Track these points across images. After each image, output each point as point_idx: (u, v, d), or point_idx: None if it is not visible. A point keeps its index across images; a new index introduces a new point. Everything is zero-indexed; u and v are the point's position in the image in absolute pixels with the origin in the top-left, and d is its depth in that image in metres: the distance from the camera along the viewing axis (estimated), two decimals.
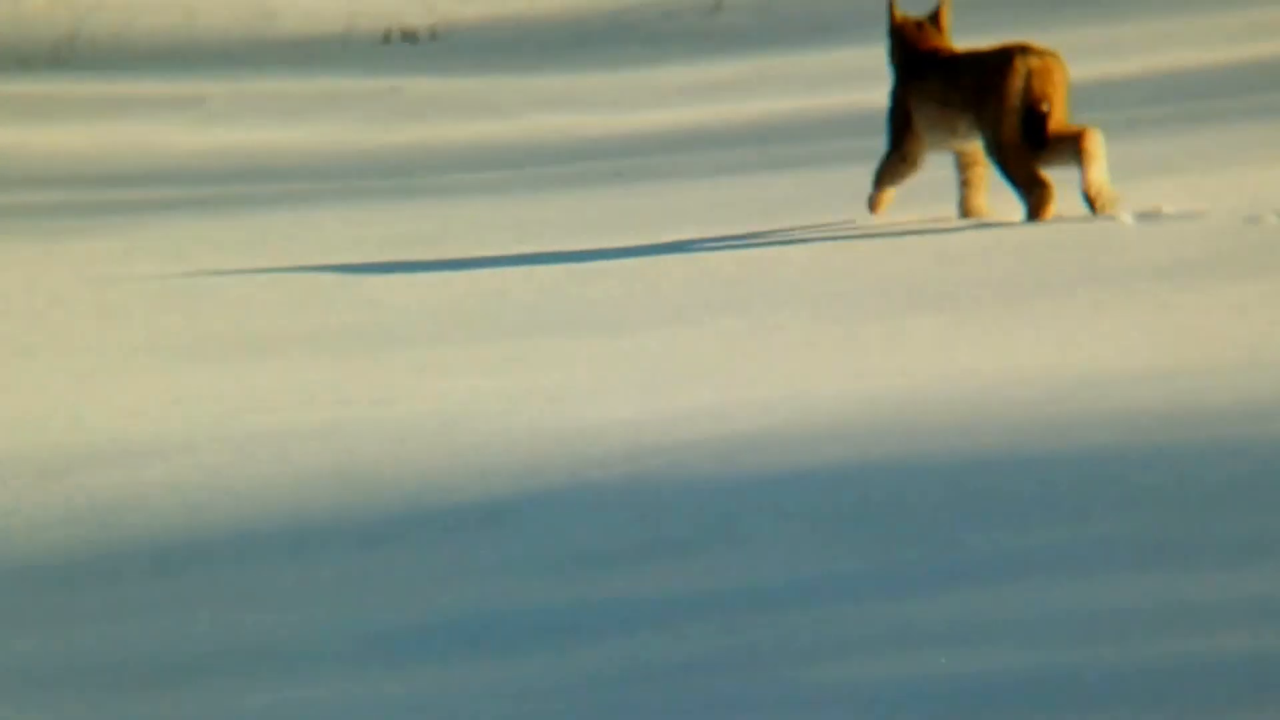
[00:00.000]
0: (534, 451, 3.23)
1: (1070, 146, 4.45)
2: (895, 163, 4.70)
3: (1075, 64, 7.83)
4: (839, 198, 5.22)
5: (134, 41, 10.97)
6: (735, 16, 10.94)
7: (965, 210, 4.77)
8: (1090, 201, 4.54)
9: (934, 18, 4.71)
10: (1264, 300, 3.83)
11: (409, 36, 11.00)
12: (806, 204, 5.32)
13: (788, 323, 4.12)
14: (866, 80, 8.51)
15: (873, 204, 4.82)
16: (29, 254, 5.04)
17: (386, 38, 10.99)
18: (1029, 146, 4.45)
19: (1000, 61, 4.49)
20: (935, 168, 4.88)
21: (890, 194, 4.79)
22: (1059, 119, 4.47)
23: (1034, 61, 4.46)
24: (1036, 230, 4.68)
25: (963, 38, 4.85)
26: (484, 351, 4.08)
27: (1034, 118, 4.42)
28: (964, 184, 4.72)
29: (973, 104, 4.50)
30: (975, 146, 4.62)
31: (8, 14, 11.57)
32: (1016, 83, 4.43)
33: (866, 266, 4.59)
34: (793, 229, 5.01)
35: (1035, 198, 4.52)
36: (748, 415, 3.37)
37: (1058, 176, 4.64)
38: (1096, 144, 4.45)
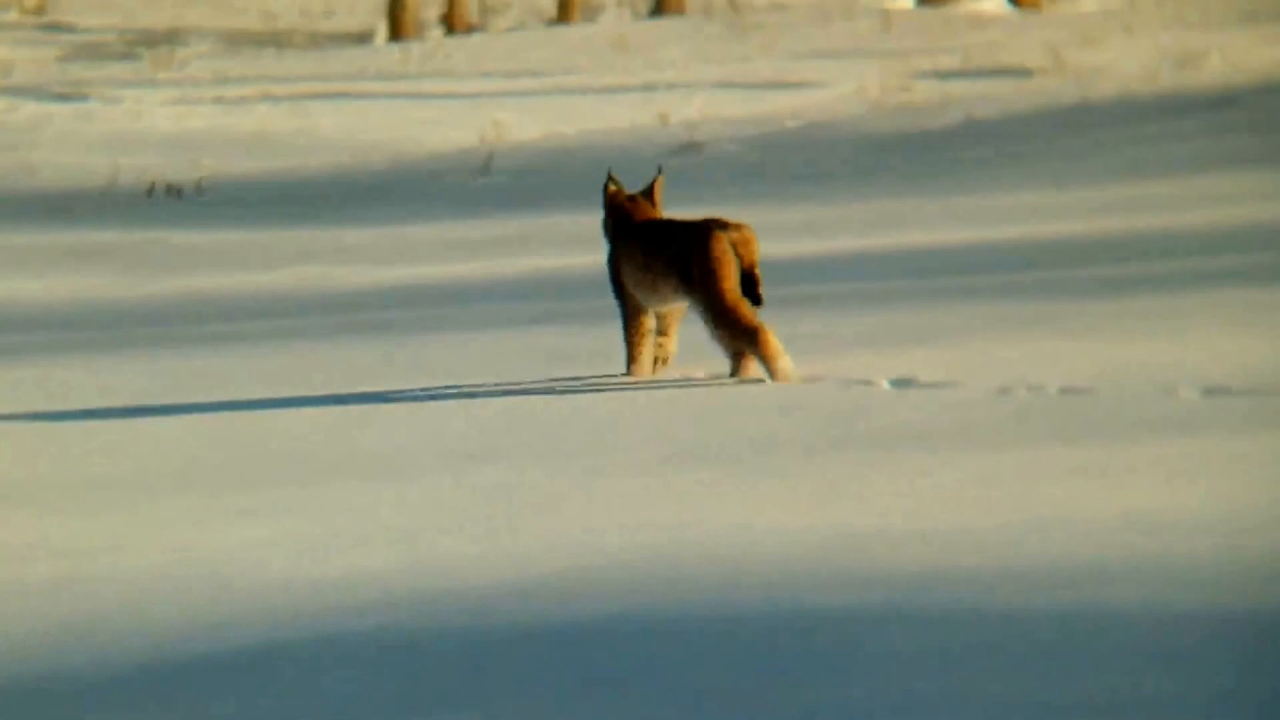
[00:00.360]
0: (287, 603, 3.18)
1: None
2: (631, 325, 4.98)
3: (832, 238, 8.16)
4: (602, 353, 5.26)
5: None
6: (501, 179, 11.07)
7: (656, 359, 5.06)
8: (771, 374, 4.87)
9: (647, 192, 5.07)
10: (1016, 469, 3.94)
11: (174, 191, 10.91)
12: (573, 358, 5.34)
13: (552, 474, 4.11)
14: None
15: (630, 367, 5.05)
16: None
17: (150, 192, 10.89)
18: (747, 302, 4.83)
19: (702, 232, 4.84)
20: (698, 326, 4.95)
21: (645, 354, 5.01)
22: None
23: (734, 234, 4.83)
24: (795, 391, 4.76)
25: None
26: (238, 500, 4.01)
27: (750, 280, 4.80)
28: (659, 332, 5.04)
29: (677, 269, 4.84)
30: (679, 307, 4.96)
31: None
32: (724, 250, 4.80)
33: (630, 420, 4.61)
34: (559, 381, 5.02)
35: (762, 341, 4.82)
36: (507, 567, 3.33)
37: (804, 335, 4.71)
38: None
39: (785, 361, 4.82)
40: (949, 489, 3.80)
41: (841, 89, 13.26)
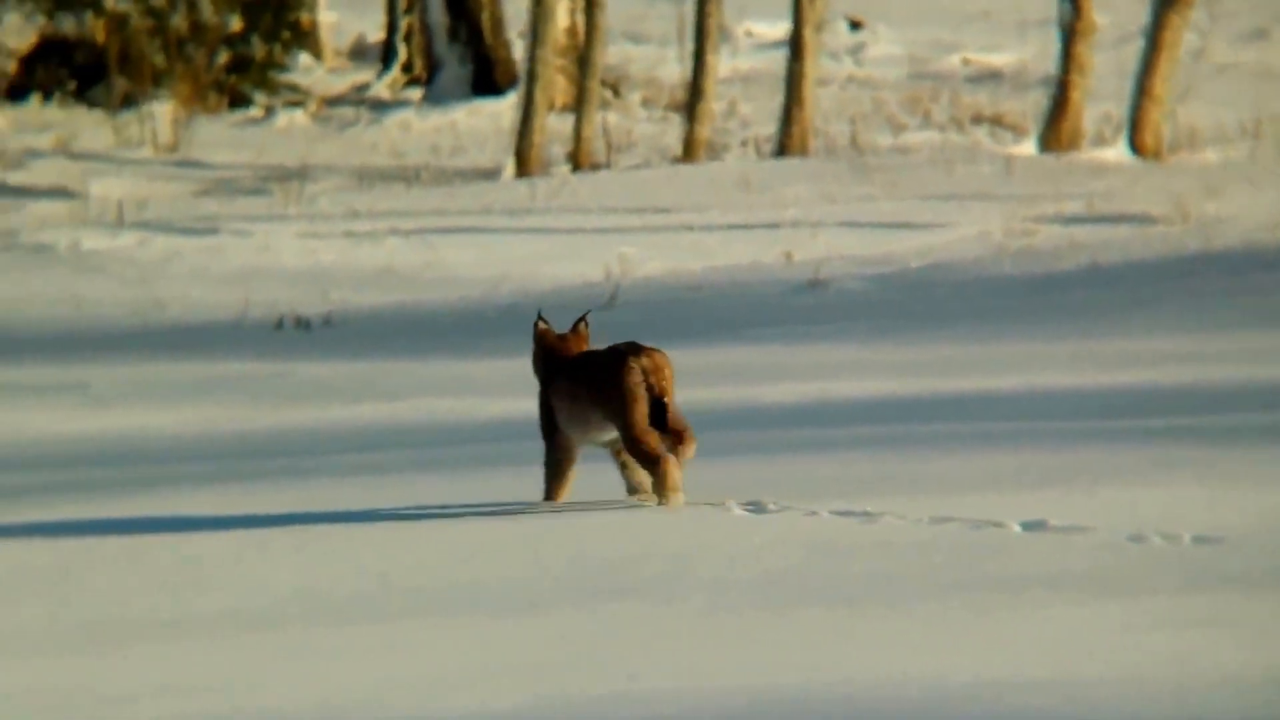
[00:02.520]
0: None
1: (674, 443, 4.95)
2: (555, 468, 5.10)
3: (958, 378, 8.10)
4: (723, 486, 5.23)
5: (20, 329, 10.96)
6: (627, 312, 11.15)
7: (632, 488, 5.13)
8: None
9: (574, 329, 5.19)
10: (1150, 619, 3.85)
11: (302, 323, 11.11)
12: (695, 490, 5.32)
13: (677, 609, 4.07)
14: (745, 376, 8.66)
15: (551, 498, 5.15)
16: None
17: (279, 324, 11.09)
18: (655, 431, 4.91)
19: (615, 359, 4.92)
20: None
21: (566, 489, 5.14)
22: (674, 409, 4.94)
23: (645, 361, 4.90)
24: (921, 530, 4.71)
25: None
26: (361, 636, 4.00)
27: (660, 408, 4.89)
28: (622, 465, 5.10)
29: (599, 399, 4.92)
30: (608, 435, 5.01)
31: None
32: (636, 380, 4.87)
33: (751, 556, 4.58)
34: (680, 515, 5.00)
35: (660, 472, 4.92)
36: (633, 708, 3.29)
37: (931, 474, 4.63)
38: (690, 450, 4.98)
39: (678, 498, 4.91)
40: (1080, 637, 3.72)
41: (965, 231, 13.26)
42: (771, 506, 5.00)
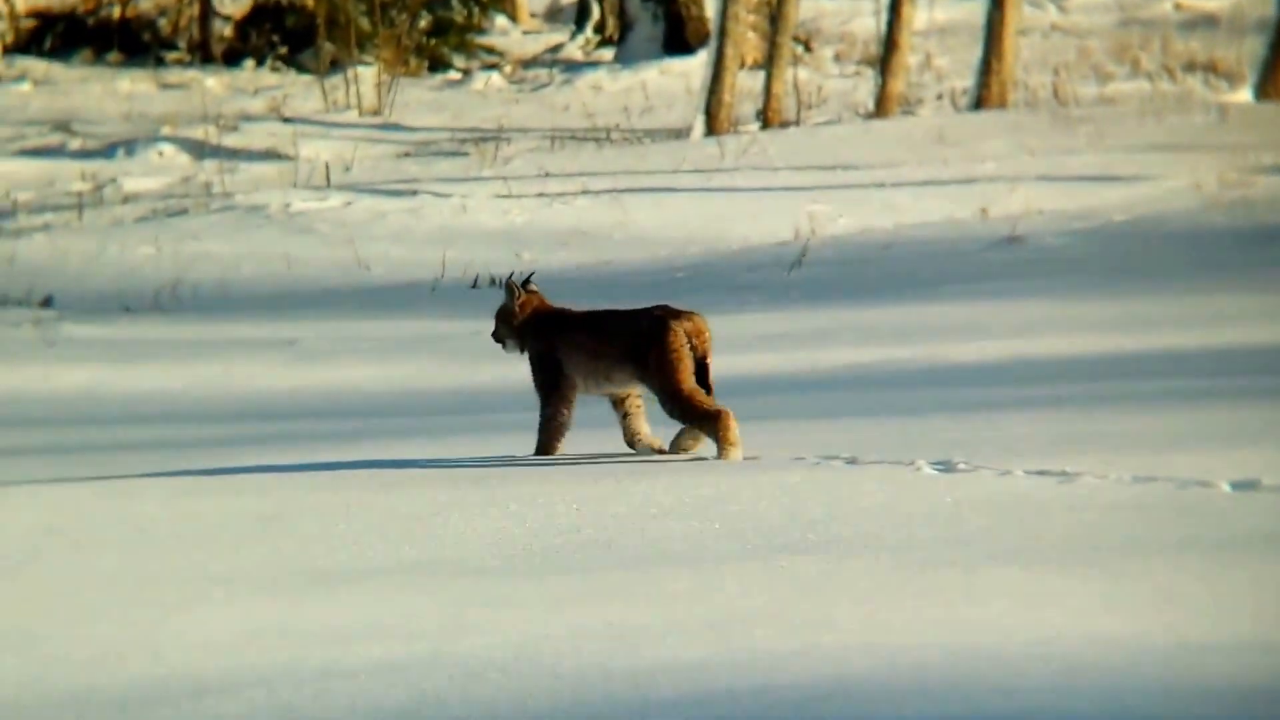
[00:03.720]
0: (605, 692, 3.16)
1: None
2: (553, 419, 5.29)
3: (1163, 334, 7.85)
4: (913, 445, 5.16)
5: (235, 288, 11.27)
6: (817, 270, 11.05)
7: (631, 439, 5.29)
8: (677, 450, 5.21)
9: (525, 287, 5.39)
10: None
11: (497, 282, 11.24)
12: (884, 450, 5.26)
13: (870, 566, 4.03)
14: (939, 335, 8.53)
15: (549, 451, 5.32)
16: (121, 486, 5.08)
17: (475, 284, 11.25)
18: (700, 390, 5.08)
19: (657, 323, 5.10)
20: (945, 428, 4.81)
21: (558, 447, 5.32)
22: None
23: (688, 324, 5.10)
24: (1127, 490, 4.59)
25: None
26: (556, 586, 4.04)
27: (702, 369, 5.07)
28: (624, 415, 5.26)
29: (633, 358, 5.10)
30: (628, 390, 5.20)
31: (114, 262, 11.97)
32: (681, 342, 5.05)
33: (946, 514, 4.51)
34: (868, 474, 4.94)
35: (722, 426, 5.07)
36: (823, 663, 3.26)
37: (1134, 431, 4.47)
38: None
39: (738, 451, 5.08)
40: None
41: (1174, 183, 12.88)
42: (963, 466, 4.92)
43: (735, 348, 8.55)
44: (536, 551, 4.34)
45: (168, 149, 16.09)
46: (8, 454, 6.35)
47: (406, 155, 16.51)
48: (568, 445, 5.39)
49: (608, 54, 21.24)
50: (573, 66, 20.90)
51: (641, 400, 5.25)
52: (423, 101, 19.21)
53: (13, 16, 20.85)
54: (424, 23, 20.84)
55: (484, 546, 4.39)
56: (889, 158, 14.50)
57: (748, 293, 10.56)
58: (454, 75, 20.75)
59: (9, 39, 20.53)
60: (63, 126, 16.91)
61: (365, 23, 20.15)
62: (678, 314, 5.10)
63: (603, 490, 4.91)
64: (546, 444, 5.33)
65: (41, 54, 20.74)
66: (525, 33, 22.83)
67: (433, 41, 21.04)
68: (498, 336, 5.44)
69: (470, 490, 4.98)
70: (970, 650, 3.30)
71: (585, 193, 14.02)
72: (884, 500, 4.67)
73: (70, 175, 15.16)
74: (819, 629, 3.54)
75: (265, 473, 5.28)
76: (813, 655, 3.32)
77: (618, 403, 5.26)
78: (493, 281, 11.43)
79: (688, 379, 5.04)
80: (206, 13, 21.55)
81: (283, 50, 20.97)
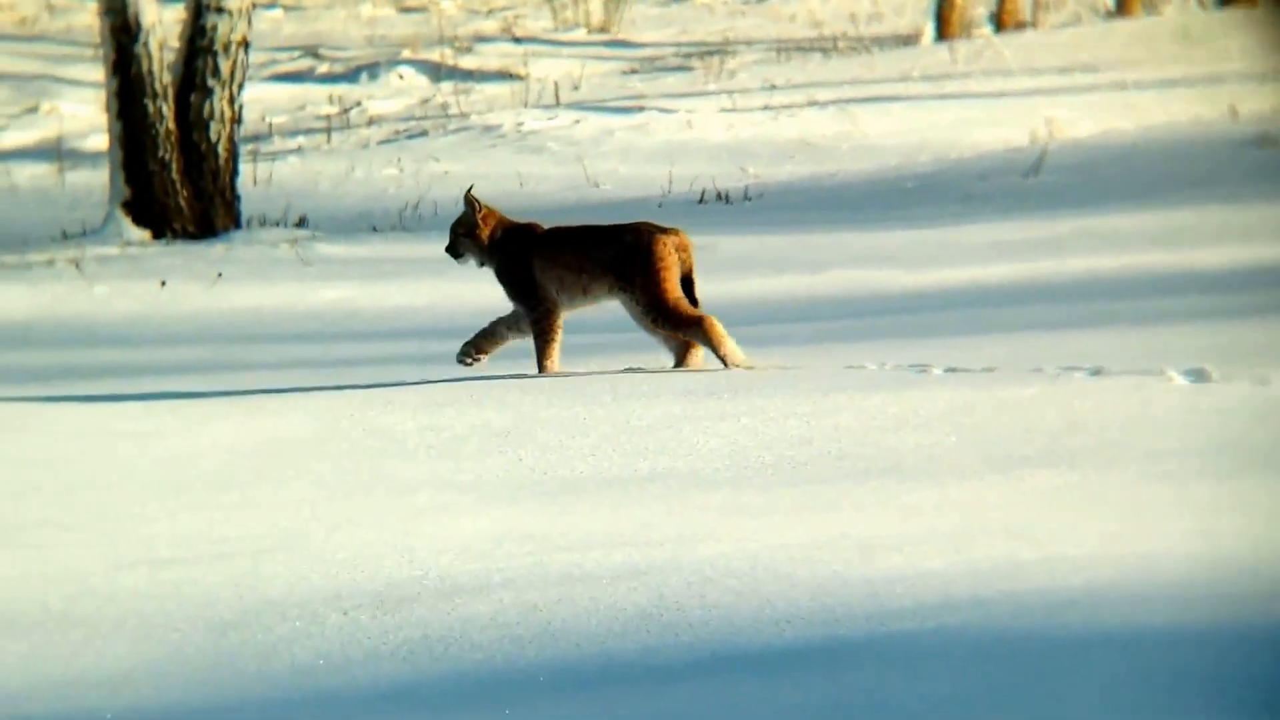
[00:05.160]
0: (845, 600, 3.17)
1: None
2: (546, 328, 5.39)
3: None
4: (1161, 354, 4.96)
5: None
6: (1055, 176, 10.74)
7: (680, 360, 5.42)
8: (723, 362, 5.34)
9: (481, 205, 5.52)
10: None
11: (723, 196, 11.20)
12: (1130, 360, 5.07)
13: (1109, 478, 3.90)
14: (1186, 240, 8.21)
15: (544, 364, 5.42)
16: (369, 398, 5.22)
17: (701, 198, 11.21)
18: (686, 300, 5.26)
19: (644, 236, 5.23)
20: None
21: (555, 354, 5.42)
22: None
23: (674, 238, 5.26)
24: None
25: None
26: (789, 497, 4.03)
27: (688, 282, 5.26)
28: (666, 339, 5.39)
29: (615, 270, 5.25)
30: (596, 304, 5.35)
31: (361, 183, 12.25)
32: (669, 252, 5.21)
33: (1197, 424, 4.32)
34: (1113, 385, 4.77)
35: (709, 329, 5.27)
36: (1069, 573, 3.16)
37: None
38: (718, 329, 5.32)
39: (732, 344, 5.26)
40: None
41: None
42: (1215, 375, 4.71)
43: (969, 257, 8.36)
44: (769, 463, 4.34)
45: (407, 72, 16.34)
46: (274, 367, 6.54)
47: (633, 72, 16.50)
48: (764, 359, 5.38)
49: None
50: None
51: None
52: (649, 17, 19.17)
53: None
54: None
55: (717, 458, 4.41)
56: (1131, 58, 14.00)
57: (981, 201, 10.31)
58: None
59: None
60: (311, 51, 17.30)
61: None
62: (664, 229, 5.27)
63: (834, 402, 4.85)
64: (547, 361, 5.44)
65: None
66: None
67: None
68: (455, 251, 5.56)
69: (702, 403, 4.98)
70: (1226, 561, 3.15)
71: (812, 104, 13.83)
72: (1130, 411, 4.51)
73: (319, 99, 15.52)
74: (1063, 540, 3.44)
75: (505, 385, 5.35)
76: (1059, 566, 3.24)
77: (651, 326, 5.40)
78: (719, 196, 11.37)
79: (675, 288, 5.22)
80: None
81: None
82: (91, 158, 13.04)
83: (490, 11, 19.82)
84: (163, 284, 9.03)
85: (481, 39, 18.11)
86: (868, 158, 12.20)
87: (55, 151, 13.39)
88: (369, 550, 3.68)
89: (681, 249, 5.27)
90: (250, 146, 13.02)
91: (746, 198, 11.31)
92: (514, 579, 3.43)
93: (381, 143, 13.69)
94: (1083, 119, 12.34)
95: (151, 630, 3.24)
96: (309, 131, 14.27)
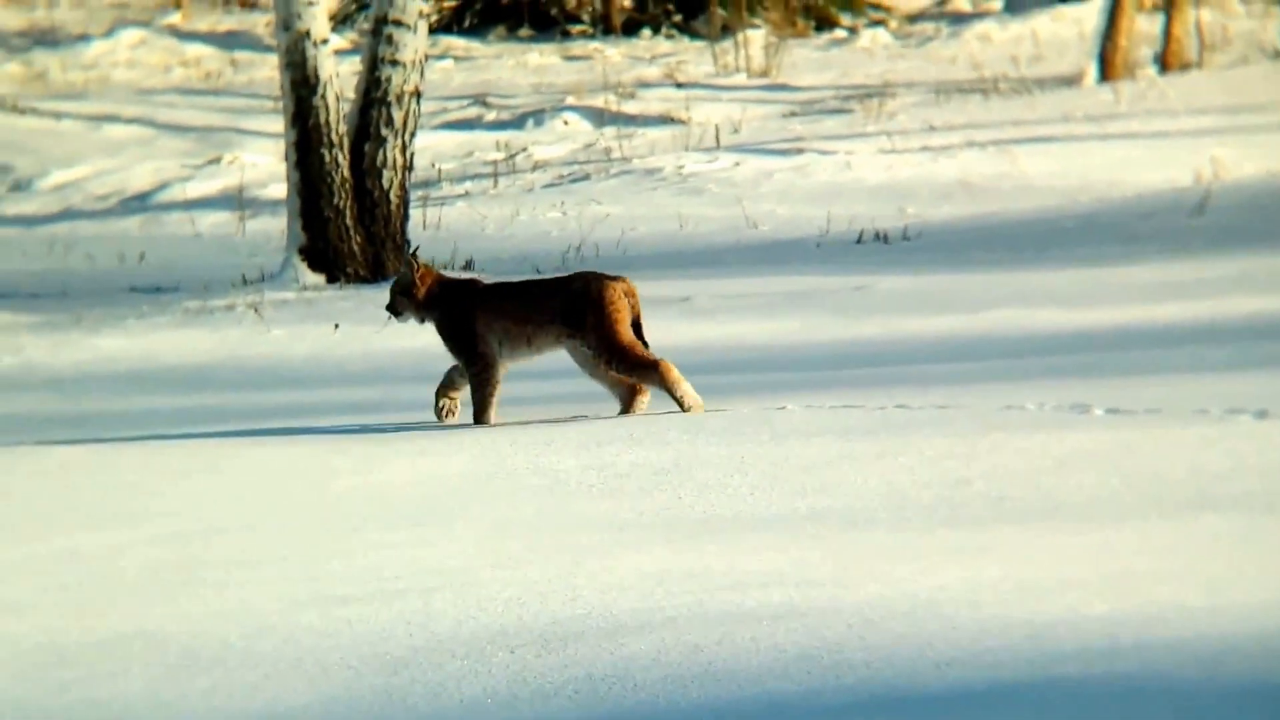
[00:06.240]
0: (1005, 642, 3.14)
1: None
2: (486, 382, 5.48)
3: None
4: None
5: (632, 247, 11.55)
6: (1219, 216, 10.56)
7: (627, 407, 5.51)
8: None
9: (421, 264, 5.64)
10: None
11: (881, 237, 11.17)
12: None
13: (1276, 525, 3.83)
14: None
15: (482, 417, 5.51)
16: (532, 436, 5.28)
17: (860, 239, 11.20)
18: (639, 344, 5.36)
19: (592, 283, 5.37)
20: None
21: (494, 408, 5.50)
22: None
23: (623, 285, 5.39)
24: None
25: None
26: (948, 538, 4.00)
27: (636, 326, 5.38)
28: (612, 384, 5.47)
29: (563, 319, 5.39)
30: (540, 356, 5.48)
31: (526, 226, 12.44)
32: (619, 298, 5.35)
33: None
34: (1279, 428, 4.69)
35: (665, 373, 5.35)
36: (1236, 619, 3.12)
37: None
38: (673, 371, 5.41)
39: (687, 386, 5.36)
40: None
41: None
42: None
43: (1131, 297, 8.26)
44: (927, 504, 4.31)
45: (572, 117, 16.56)
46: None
47: (793, 114, 16.54)
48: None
49: (995, 4, 20.75)
50: (960, 18, 20.51)
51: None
52: (809, 61, 19.21)
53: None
54: None
55: (875, 498, 4.39)
56: None
57: (1143, 241, 10.18)
58: (840, 34, 20.67)
59: (434, 20, 21.51)
60: (479, 100, 17.60)
61: None
62: (611, 276, 5.40)
63: (993, 442, 4.81)
64: (485, 414, 5.53)
65: (461, 32, 21.68)
66: None
67: (821, 1, 21.04)
68: (394, 309, 5.70)
69: (860, 442, 4.97)
70: None
71: (971, 145, 13.75)
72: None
73: (486, 145, 15.77)
74: (1230, 586, 3.39)
75: (663, 424, 5.38)
76: (1226, 612, 3.19)
77: (602, 373, 5.45)
78: (877, 236, 11.35)
79: (627, 332, 5.33)
80: None
81: (677, 18, 21.38)
82: (270, 206, 13.37)
83: (653, 58, 20.00)
84: (336, 327, 9.25)
85: (644, 85, 18.28)
86: (1028, 198, 12.09)
87: (237, 200, 13.77)
88: (534, 588, 3.72)
89: (630, 294, 5.40)
90: (420, 192, 13.28)
91: (905, 238, 11.26)
92: (675, 618, 3.44)
93: (545, 187, 13.87)
94: (1248, 159, 12.11)
95: (327, 667, 3.27)
96: (476, 177, 14.51)
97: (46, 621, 3.64)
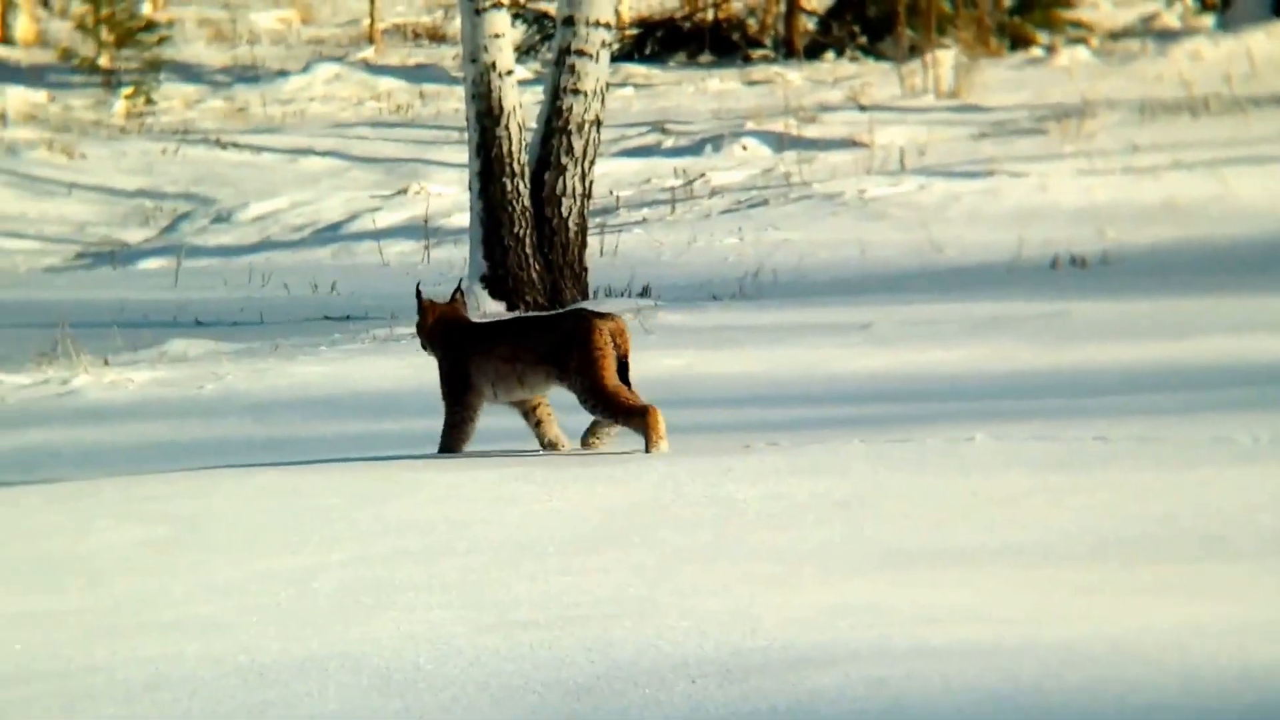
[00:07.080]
0: (1216, 690, 2.94)
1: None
2: (460, 428, 5.42)
3: None
4: None
5: (812, 272, 11.32)
6: None
7: (547, 443, 5.47)
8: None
9: (454, 298, 5.56)
10: None
11: (1078, 261, 10.76)
12: None
13: None
14: None
15: (444, 452, 5.45)
16: (710, 465, 5.18)
17: (1054, 264, 10.80)
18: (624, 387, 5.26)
19: (580, 322, 5.28)
20: None
21: (460, 448, 5.45)
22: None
23: (611, 324, 5.29)
24: None
25: None
26: (1151, 577, 3.78)
27: (623, 367, 5.27)
28: (536, 423, 5.45)
29: (552, 360, 5.29)
30: (538, 397, 5.39)
31: (703, 252, 12.32)
32: (605, 340, 5.24)
33: None
34: None
35: (650, 421, 5.26)
36: None
37: None
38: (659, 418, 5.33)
39: (665, 444, 5.27)
40: None
41: None
42: None
43: None
44: (1127, 540, 4.08)
45: (751, 143, 16.40)
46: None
47: (983, 136, 16.14)
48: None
49: (1207, 20, 20.05)
50: (1167, 35, 19.87)
51: (550, 407, 5.46)
52: (1002, 81, 18.77)
53: (620, 27, 21.92)
54: (1008, 1, 20.44)
55: (1070, 533, 4.17)
56: None
57: None
58: (1036, 52, 20.15)
59: (616, 49, 21.56)
60: (658, 126, 17.56)
61: (947, 5, 19.91)
62: (600, 315, 5.31)
63: (1200, 477, 4.51)
64: (447, 447, 5.47)
65: (642, 59, 21.71)
66: (1116, 4, 21.92)
67: (1016, 19, 20.55)
68: (421, 345, 5.61)
69: (1053, 475, 4.75)
70: None
71: (1178, 165, 13.22)
72: None
73: (664, 172, 15.71)
74: None
75: (840, 455, 5.23)
76: None
77: (528, 412, 5.44)
78: (1074, 261, 10.91)
79: (611, 376, 5.24)
80: (792, 9, 21.90)
81: (862, 40, 21.08)
82: (454, 235, 13.46)
83: (836, 81, 19.75)
84: None
85: (826, 108, 18.04)
86: (1240, 221, 11.57)
87: (422, 229, 13.86)
88: (714, 619, 3.64)
89: (618, 334, 5.29)
90: (598, 219, 13.21)
91: (1104, 262, 10.84)
92: (859, 652, 3.33)
93: (723, 212, 13.72)
94: None
95: (511, 692, 3.27)
96: (654, 203, 14.43)
97: (247, 641, 3.68)
